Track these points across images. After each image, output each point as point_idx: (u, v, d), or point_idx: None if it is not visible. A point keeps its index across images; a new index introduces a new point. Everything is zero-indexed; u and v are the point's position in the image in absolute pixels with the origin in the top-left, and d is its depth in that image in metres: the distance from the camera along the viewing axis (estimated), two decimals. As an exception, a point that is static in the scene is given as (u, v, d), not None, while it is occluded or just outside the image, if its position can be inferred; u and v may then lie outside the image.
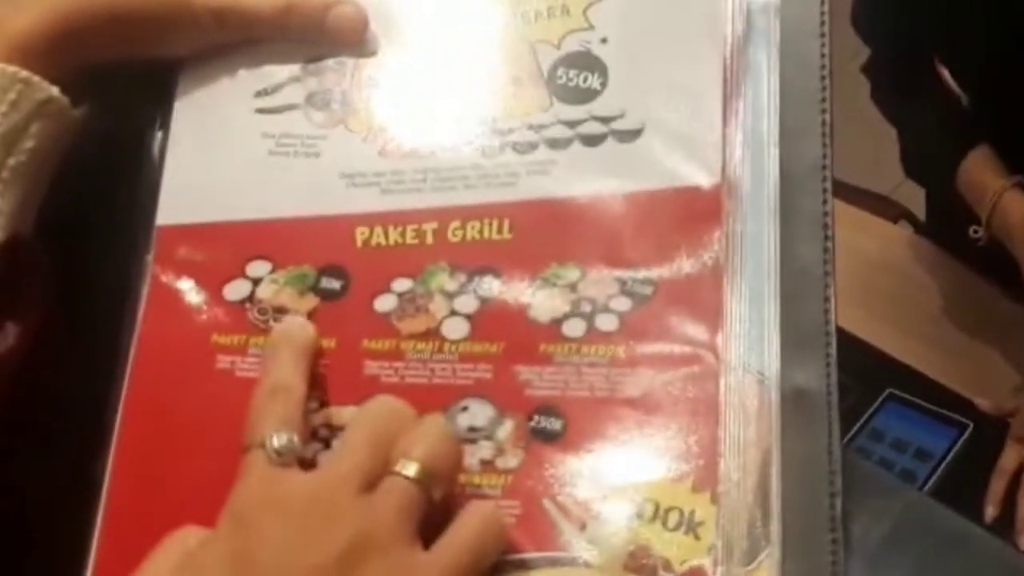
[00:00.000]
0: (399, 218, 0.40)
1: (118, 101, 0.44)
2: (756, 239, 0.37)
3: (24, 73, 0.38)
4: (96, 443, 0.39)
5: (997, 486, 0.96)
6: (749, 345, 0.36)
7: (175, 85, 0.44)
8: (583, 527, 0.34)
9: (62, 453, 0.40)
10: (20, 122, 0.38)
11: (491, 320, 0.38)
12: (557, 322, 0.37)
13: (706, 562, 0.33)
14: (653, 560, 0.33)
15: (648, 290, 0.37)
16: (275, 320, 0.39)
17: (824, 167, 0.38)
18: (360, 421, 0.35)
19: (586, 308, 0.37)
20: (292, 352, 0.37)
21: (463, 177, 0.40)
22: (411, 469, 0.32)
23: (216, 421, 0.38)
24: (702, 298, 0.36)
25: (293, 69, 0.43)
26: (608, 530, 0.33)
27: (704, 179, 0.38)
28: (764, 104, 0.39)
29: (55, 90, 0.39)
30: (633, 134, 0.40)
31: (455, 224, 0.39)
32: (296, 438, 0.34)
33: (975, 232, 0.97)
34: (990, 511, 0.95)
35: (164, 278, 0.40)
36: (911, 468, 0.99)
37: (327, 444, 0.37)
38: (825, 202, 0.38)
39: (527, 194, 0.39)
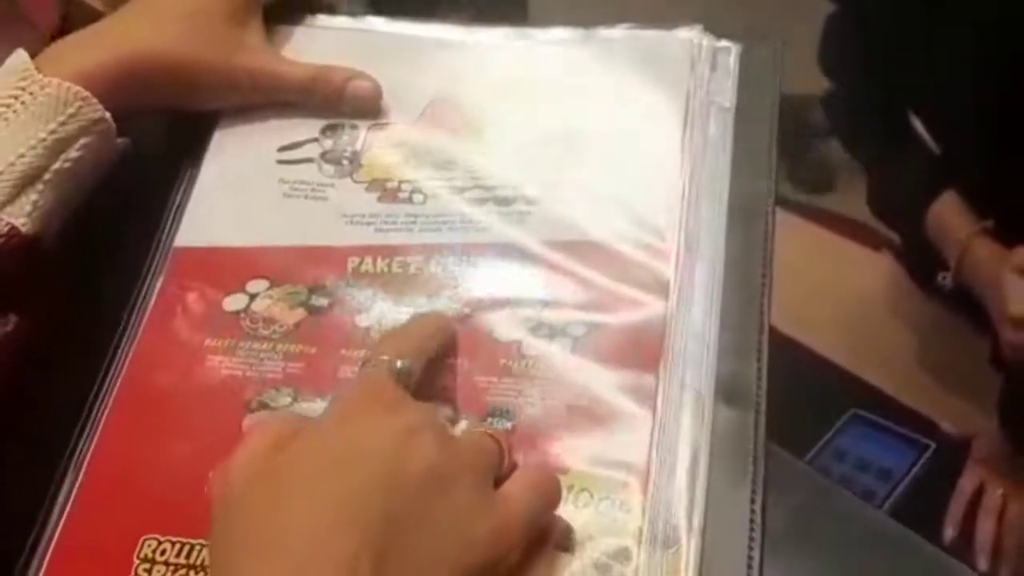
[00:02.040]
0: (388, 251, 0.45)
1: (158, 140, 0.51)
2: (705, 284, 0.42)
3: (84, 92, 0.44)
4: (79, 438, 0.41)
5: (956, 507, 0.96)
6: (687, 365, 0.40)
7: (211, 134, 0.50)
8: None
9: (45, 448, 0.42)
10: (72, 133, 0.44)
11: (460, 338, 0.42)
12: (517, 342, 0.41)
13: (630, 543, 0.36)
14: (583, 537, 0.36)
15: (601, 318, 0.41)
16: (264, 329, 0.43)
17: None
18: None
19: (544, 332, 0.41)
20: (441, 322, 0.41)
21: (447, 222, 0.46)
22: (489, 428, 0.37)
23: (198, 409, 0.42)
24: (649, 329, 0.41)
25: (313, 131, 0.50)
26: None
27: (659, 238, 0.43)
28: (719, 170, 0.46)
29: (107, 113, 0.45)
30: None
31: (437, 257, 0.44)
32: (417, 371, 0.37)
33: (943, 279, 0.97)
34: (949, 532, 0.95)
35: (171, 289, 0.45)
36: (872, 487, 0.99)
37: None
38: (765, 251, 0.43)
39: (500, 238, 0.45)
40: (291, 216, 0.47)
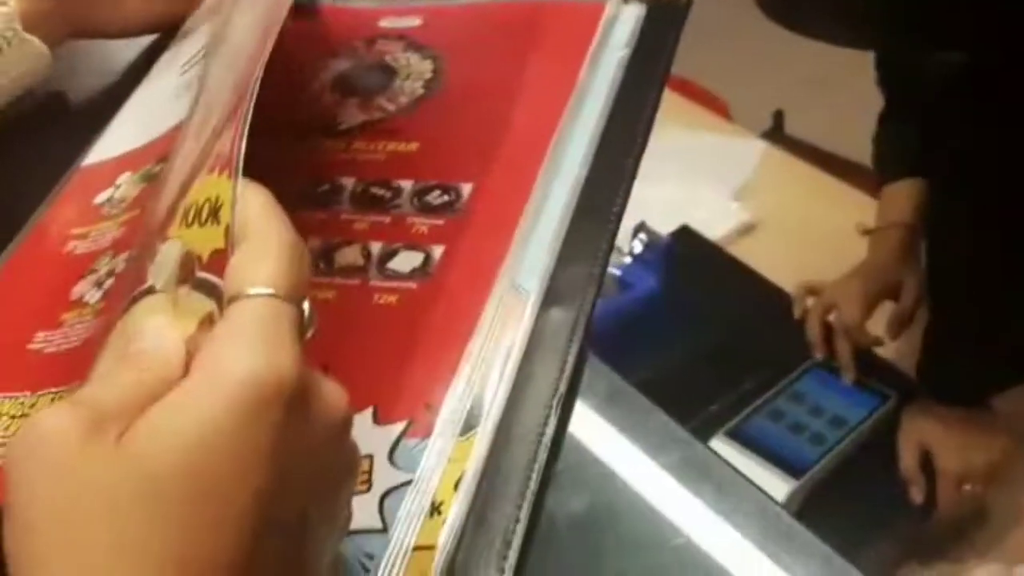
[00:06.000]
0: None
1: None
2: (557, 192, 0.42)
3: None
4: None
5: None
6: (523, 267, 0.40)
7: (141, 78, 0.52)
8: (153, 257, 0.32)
9: None
10: None
11: None
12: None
13: (222, 245, 0.29)
14: (192, 261, 0.30)
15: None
16: (115, 209, 0.44)
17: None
18: None
19: None
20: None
21: None
22: None
23: (39, 284, 0.42)
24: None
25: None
26: (163, 250, 0.32)
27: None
28: None
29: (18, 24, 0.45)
30: None
31: None
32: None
33: None
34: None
35: (60, 201, 0.46)
36: (822, 432, 1.00)
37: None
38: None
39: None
40: (173, 108, 0.47)
